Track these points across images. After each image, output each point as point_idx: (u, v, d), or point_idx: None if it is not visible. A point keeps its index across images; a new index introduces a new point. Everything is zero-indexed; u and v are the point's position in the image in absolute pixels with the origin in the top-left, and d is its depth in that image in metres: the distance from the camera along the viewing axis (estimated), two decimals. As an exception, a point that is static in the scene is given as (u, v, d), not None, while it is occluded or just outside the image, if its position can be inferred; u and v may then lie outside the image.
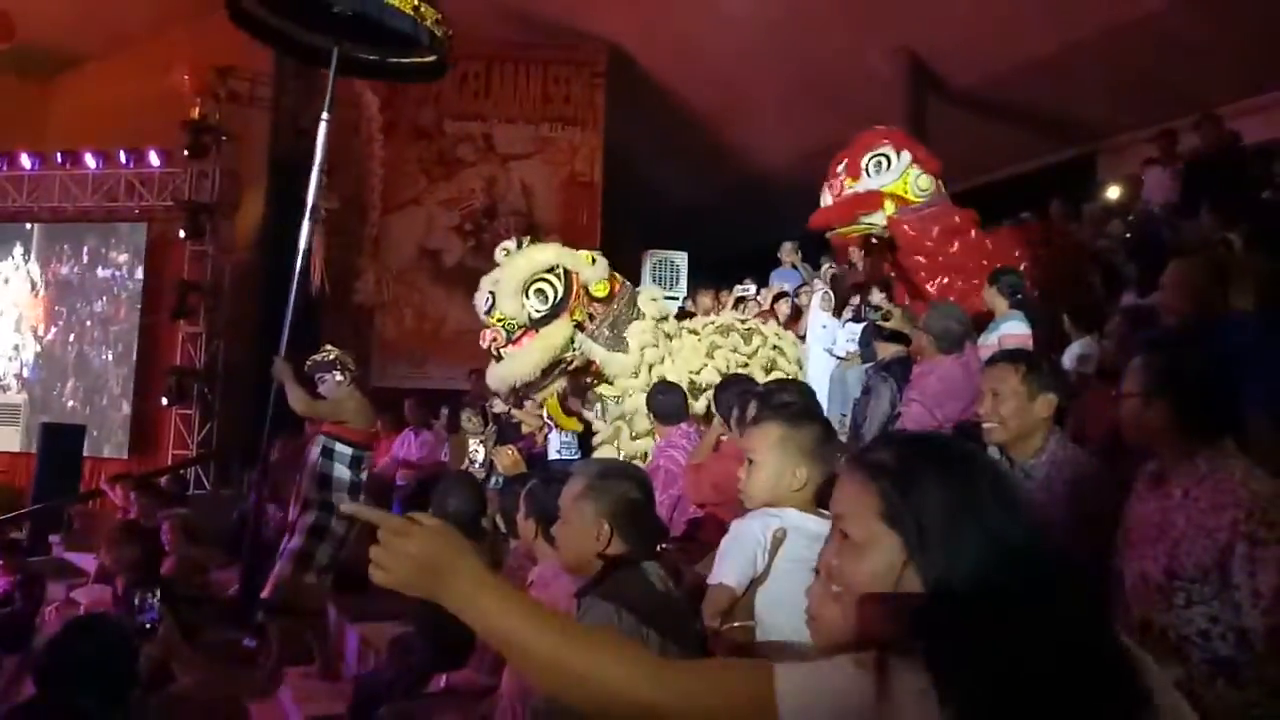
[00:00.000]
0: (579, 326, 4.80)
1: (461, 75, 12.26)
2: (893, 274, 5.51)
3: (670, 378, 4.84)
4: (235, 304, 11.33)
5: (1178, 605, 1.84)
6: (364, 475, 5.06)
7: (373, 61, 5.47)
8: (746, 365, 5.27)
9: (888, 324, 4.32)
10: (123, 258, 11.68)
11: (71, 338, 11.74)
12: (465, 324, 11.76)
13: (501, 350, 4.71)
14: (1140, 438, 1.98)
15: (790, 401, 2.42)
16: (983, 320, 4.41)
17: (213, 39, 11.23)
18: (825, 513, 1.93)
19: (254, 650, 5.69)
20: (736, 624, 1.73)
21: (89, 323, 11.69)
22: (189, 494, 9.56)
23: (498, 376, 4.81)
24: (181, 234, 10.99)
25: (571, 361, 4.85)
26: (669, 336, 5.10)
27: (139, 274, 11.51)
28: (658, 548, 2.54)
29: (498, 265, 4.93)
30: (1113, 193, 9.08)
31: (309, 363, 5.15)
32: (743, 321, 5.66)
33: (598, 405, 5.10)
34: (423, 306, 12.08)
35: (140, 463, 10.94)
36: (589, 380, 5.07)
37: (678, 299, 10.82)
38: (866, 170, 5.28)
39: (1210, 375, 1.91)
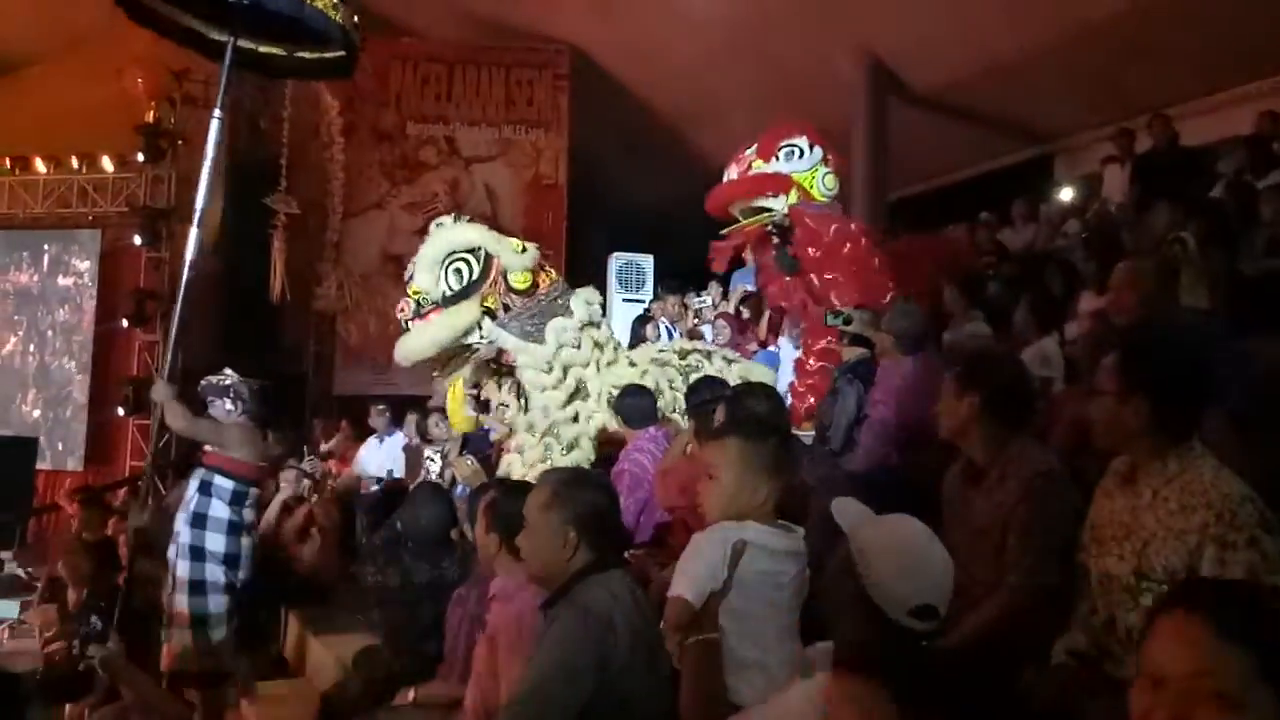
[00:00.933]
0: (489, 313, 4.66)
1: (423, 78, 12.17)
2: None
3: (592, 386, 4.75)
4: (193, 310, 11.10)
5: (1145, 605, 1.85)
6: (246, 515, 4.54)
7: (276, 57, 4.86)
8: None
9: (848, 328, 4.33)
10: (78, 265, 11.41)
11: (31, 347, 11.45)
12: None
13: (409, 323, 4.63)
14: (1113, 437, 2.01)
15: (752, 414, 2.41)
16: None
17: (166, 41, 11.04)
18: (785, 524, 1.92)
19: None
20: (701, 637, 1.71)
21: (49, 332, 11.41)
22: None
23: (400, 350, 4.68)
24: (137, 240, 10.77)
25: (477, 349, 4.74)
26: (598, 345, 4.90)
27: (95, 281, 11.25)
28: (624, 554, 2.52)
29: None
30: (1066, 194, 9.25)
31: (201, 384, 4.80)
32: (683, 355, 5.31)
33: (510, 410, 4.94)
34: (386, 311, 11.88)
35: (97, 474, 10.69)
36: (501, 373, 4.95)
37: (643, 302, 10.81)
38: (778, 155, 5.30)
39: (1186, 374, 1.93)
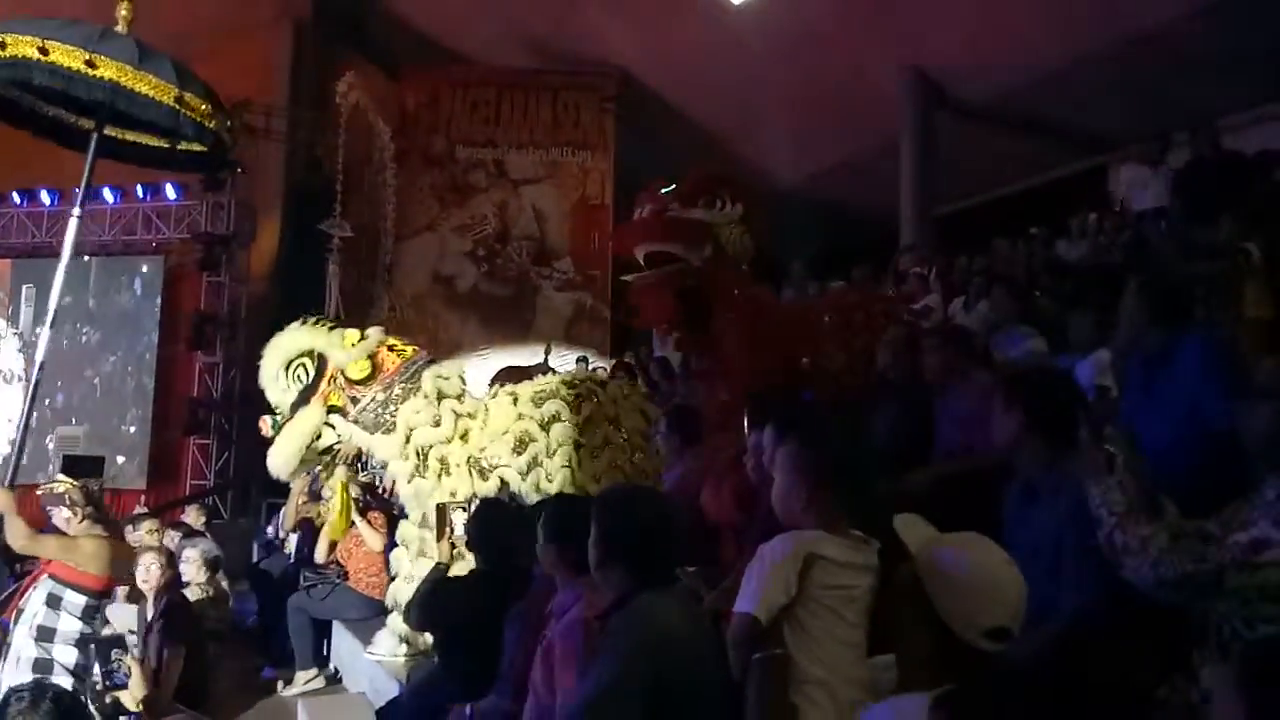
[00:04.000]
0: (336, 410, 4.58)
1: (472, 103, 12.40)
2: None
3: (454, 460, 4.59)
4: (251, 334, 11.41)
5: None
6: (98, 626, 4.19)
7: (142, 147, 4.71)
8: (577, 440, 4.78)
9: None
10: (141, 290, 11.79)
11: (93, 370, 11.83)
12: (479, 349, 11.85)
13: (274, 438, 4.61)
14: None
15: (817, 421, 2.40)
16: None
17: (227, 73, 11.41)
18: (859, 535, 1.90)
19: (274, 680, 5.72)
20: (768, 653, 1.68)
21: (112, 356, 11.78)
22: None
23: (270, 465, 4.67)
24: (199, 266, 11.11)
25: (337, 449, 4.71)
26: (461, 415, 4.70)
27: (157, 306, 11.61)
28: (678, 570, 2.53)
29: None
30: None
31: (39, 491, 4.41)
32: (572, 386, 5.02)
33: (406, 498, 4.79)
34: (436, 332, 12.13)
35: (158, 493, 11.00)
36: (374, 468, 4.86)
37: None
38: (699, 202, 4.70)
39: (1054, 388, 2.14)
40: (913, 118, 10.28)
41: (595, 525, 2.17)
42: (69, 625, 4.02)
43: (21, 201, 11.87)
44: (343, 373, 4.59)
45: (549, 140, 12.42)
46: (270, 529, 8.11)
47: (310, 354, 4.62)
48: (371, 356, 4.65)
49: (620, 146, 12.34)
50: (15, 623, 4.08)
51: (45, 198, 11.78)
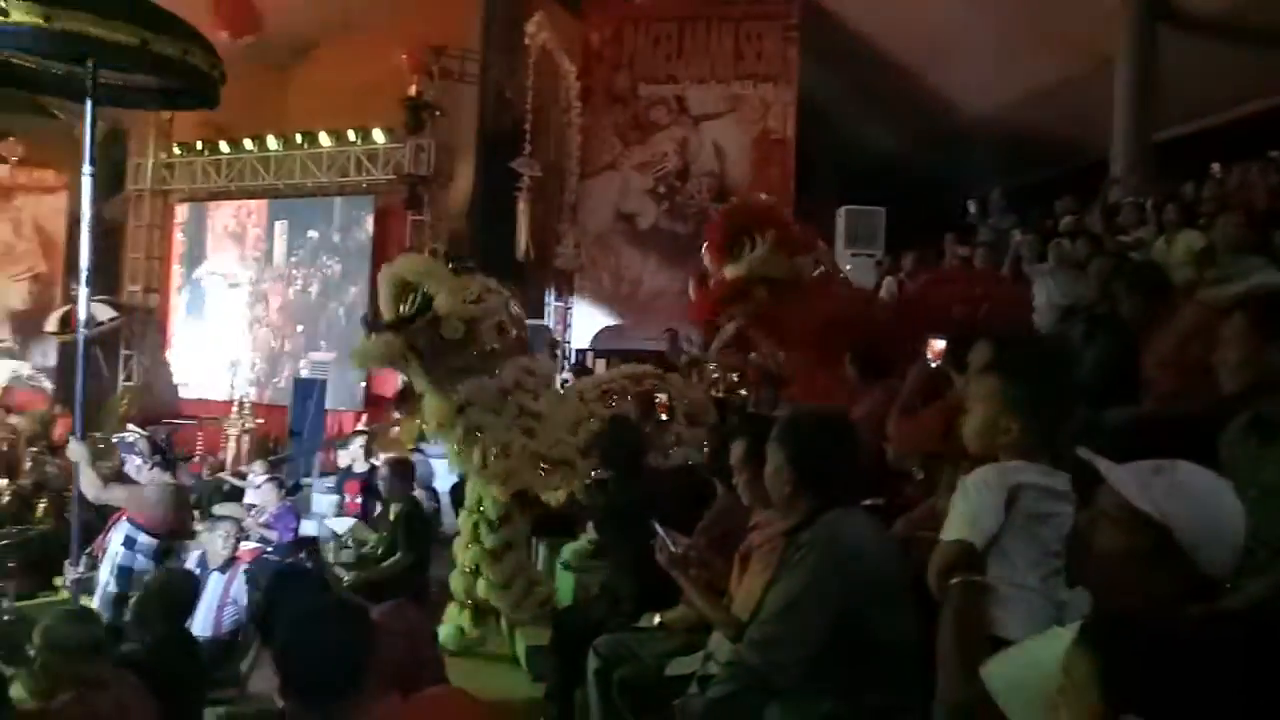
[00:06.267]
0: (414, 351, 4.48)
1: (655, 38, 12.45)
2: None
3: (514, 449, 4.58)
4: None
5: None
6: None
7: (143, 90, 4.71)
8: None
9: None
10: (356, 228, 12.85)
11: (338, 300, 13.07)
12: (661, 286, 12.09)
13: (369, 334, 4.73)
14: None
15: (1017, 355, 2.35)
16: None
17: (425, 20, 12.04)
18: (1050, 468, 1.88)
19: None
20: (968, 578, 1.72)
21: (353, 287, 12.86)
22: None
23: (351, 356, 4.89)
24: (404, 206, 11.94)
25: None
26: (525, 414, 4.70)
27: (369, 244, 12.62)
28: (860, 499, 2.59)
29: None
30: None
31: (115, 440, 4.64)
32: (638, 381, 5.13)
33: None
34: (619, 269, 12.48)
35: (371, 416, 12.07)
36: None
37: (874, 256, 10.55)
38: (731, 256, 4.82)
39: None
40: (1131, 32, 9.39)
41: (786, 447, 2.27)
42: (143, 565, 4.24)
43: (254, 147, 13.13)
44: (439, 322, 4.52)
45: (730, 73, 12.30)
46: None
47: (416, 289, 4.54)
48: (471, 322, 4.56)
49: (804, 78, 12.04)
50: (102, 558, 4.46)
51: (272, 142, 12.96)
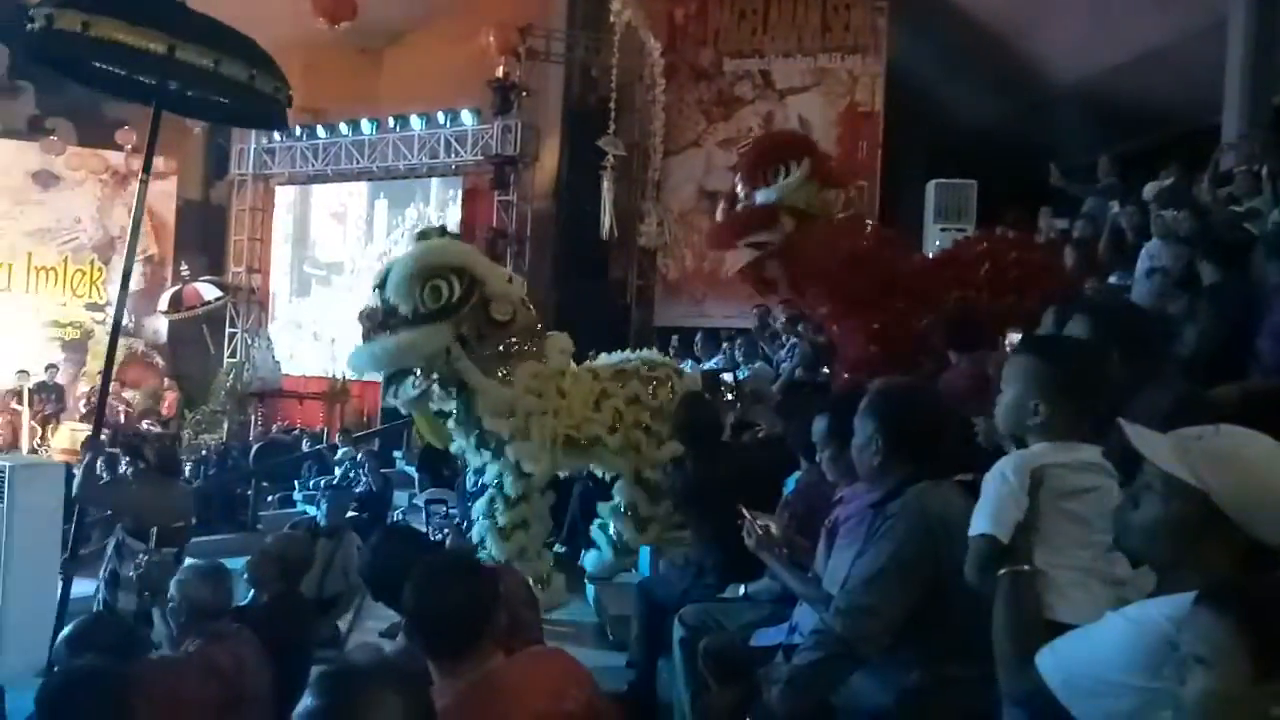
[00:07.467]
0: (462, 340, 4.36)
1: (740, 12, 12.30)
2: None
3: (539, 436, 4.53)
4: (535, 250, 12.38)
5: None
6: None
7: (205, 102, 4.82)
8: (647, 424, 4.89)
9: None
10: (445, 208, 13.16)
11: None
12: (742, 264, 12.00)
13: (371, 332, 4.38)
14: None
15: (1056, 336, 2.30)
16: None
17: (512, 1, 12.19)
18: (1075, 444, 1.82)
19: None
20: (1013, 569, 1.70)
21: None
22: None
23: (352, 359, 4.60)
24: (491, 186, 12.17)
25: (439, 374, 4.43)
26: (562, 394, 4.68)
27: (459, 223, 12.92)
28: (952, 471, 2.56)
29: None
30: None
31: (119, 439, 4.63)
32: (653, 369, 5.11)
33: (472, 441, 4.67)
34: (702, 247, 12.43)
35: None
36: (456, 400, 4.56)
37: (965, 231, 10.25)
38: (765, 179, 4.75)
39: None
40: (1249, -8, 8.84)
41: (877, 418, 2.27)
42: (129, 572, 4.22)
43: (349, 131, 13.55)
44: (487, 306, 4.45)
45: (817, 46, 12.07)
46: None
47: (460, 273, 4.39)
48: (515, 304, 4.56)
49: (893, 48, 11.74)
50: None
51: (365, 126, 13.36)
